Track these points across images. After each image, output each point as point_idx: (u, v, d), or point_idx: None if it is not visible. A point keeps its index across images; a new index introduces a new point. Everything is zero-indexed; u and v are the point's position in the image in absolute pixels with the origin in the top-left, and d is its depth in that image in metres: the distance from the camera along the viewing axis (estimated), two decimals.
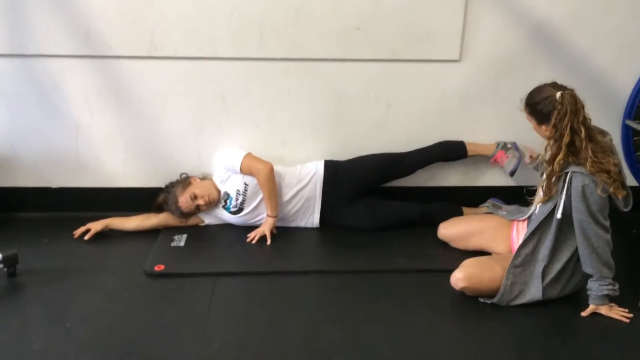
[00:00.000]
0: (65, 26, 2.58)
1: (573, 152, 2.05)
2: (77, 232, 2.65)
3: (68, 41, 2.60)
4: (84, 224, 2.67)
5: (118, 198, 2.87)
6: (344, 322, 2.10)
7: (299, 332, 2.05)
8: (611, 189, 2.01)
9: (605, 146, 2.09)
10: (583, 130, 2.02)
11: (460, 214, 2.78)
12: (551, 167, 2.06)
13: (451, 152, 2.83)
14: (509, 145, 2.79)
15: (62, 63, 2.65)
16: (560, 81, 2.13)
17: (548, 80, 2.16)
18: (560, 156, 2.03)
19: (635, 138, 2.79)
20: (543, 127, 2.12)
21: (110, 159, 2.85)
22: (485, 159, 2.87)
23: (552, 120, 2.04)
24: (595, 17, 2.69)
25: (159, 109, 2.76)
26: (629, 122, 2.75)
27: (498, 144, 2.81)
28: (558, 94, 2.04)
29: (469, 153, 2.81)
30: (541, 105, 2.08)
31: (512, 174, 2.75)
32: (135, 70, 2.68)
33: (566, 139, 2.02)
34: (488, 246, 2.46)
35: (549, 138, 2.08)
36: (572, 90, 2.06)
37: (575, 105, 2.02)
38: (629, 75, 2.77)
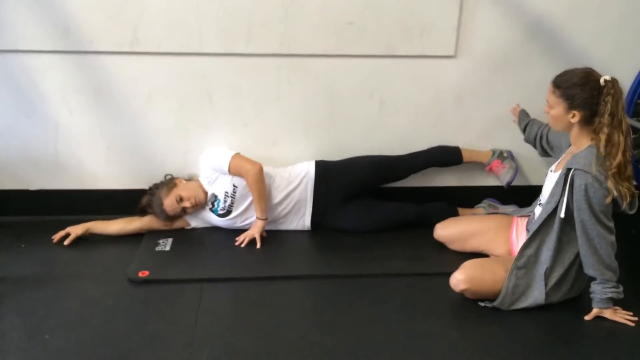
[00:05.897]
0: (44, 20, 2.45)
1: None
2: (56, 237, 2.54)
3: (46, 36, 2.47)
4: (63, 227, 2.56)
5: (100, 200, 2.76)
6: (339, 329, 2.03)
7: (292, 340, 1.96)
8: (617, 192, 1.92)
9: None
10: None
11: (456, 214, 2.70)
12: (617, 158, 1.92)
13: (446, 157, 2.77)
14: (505, 154, 2.73)
15: (40, 59, 2.52)
16: None
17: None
18: (622, 146, 1.92)
19: (634, 136, 2.73)
20: (572, 112, 2.00)
21: (92, 160, 2.73)
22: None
23: (609, 108, 1.93)
24: (592, 13, 2.63)
25: (143, 107, 2.65)
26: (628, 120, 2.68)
27: (494, 152, 2.75)
28: (603, 79, 1.95)
29: (464, 159, 2.75)
30: (579, 89, 1.97)
31: (507, 185, 2.70)
32: (117, 66, 2.56)
33: (624, 126, 1.94)
34: (487, 248, 2.39)
35: (603, 126, 1.94)
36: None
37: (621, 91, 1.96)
38: (627, 72, 2.70)
